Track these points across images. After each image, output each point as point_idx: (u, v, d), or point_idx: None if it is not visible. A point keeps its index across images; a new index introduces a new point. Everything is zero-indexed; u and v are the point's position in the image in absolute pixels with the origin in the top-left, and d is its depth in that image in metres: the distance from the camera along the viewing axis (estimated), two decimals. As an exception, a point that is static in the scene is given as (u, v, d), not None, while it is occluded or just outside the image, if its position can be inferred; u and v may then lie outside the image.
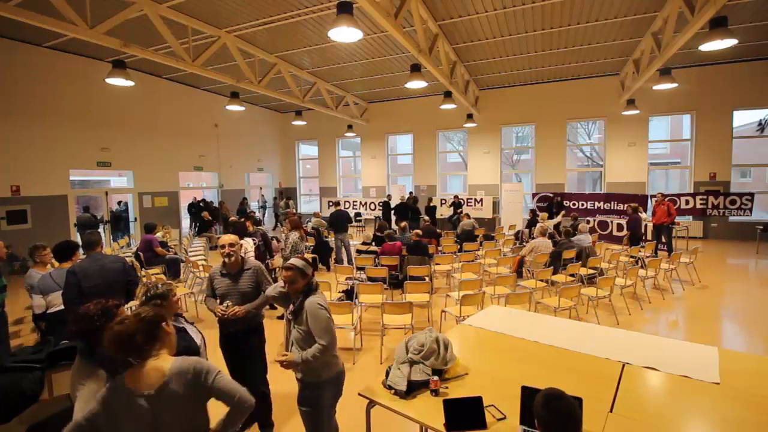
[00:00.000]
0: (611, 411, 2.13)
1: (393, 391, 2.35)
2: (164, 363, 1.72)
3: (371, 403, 2.40)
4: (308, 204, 20.10)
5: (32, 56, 9.33)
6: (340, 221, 9.48)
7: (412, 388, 2.34)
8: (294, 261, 2.57)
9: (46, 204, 9.56)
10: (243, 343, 3.18)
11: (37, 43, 9.33)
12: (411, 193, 15.54)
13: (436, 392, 2.31)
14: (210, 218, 12.31)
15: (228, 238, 3.21)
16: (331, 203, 17.39)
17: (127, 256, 8.21)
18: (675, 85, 9.42)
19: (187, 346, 2.25)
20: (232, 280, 3.14)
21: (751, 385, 2.36)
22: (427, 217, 10.52)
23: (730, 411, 2.13)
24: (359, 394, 2.44)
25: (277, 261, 7.00)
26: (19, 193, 9.08)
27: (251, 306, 3.09)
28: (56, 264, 4.20)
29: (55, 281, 3.84)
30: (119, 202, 13.12)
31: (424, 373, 2.41)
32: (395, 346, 2.78)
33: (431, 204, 13.96)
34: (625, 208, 11.39)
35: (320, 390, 2.50)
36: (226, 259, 3.15)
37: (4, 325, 4.15)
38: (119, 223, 11.87)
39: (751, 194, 11.24)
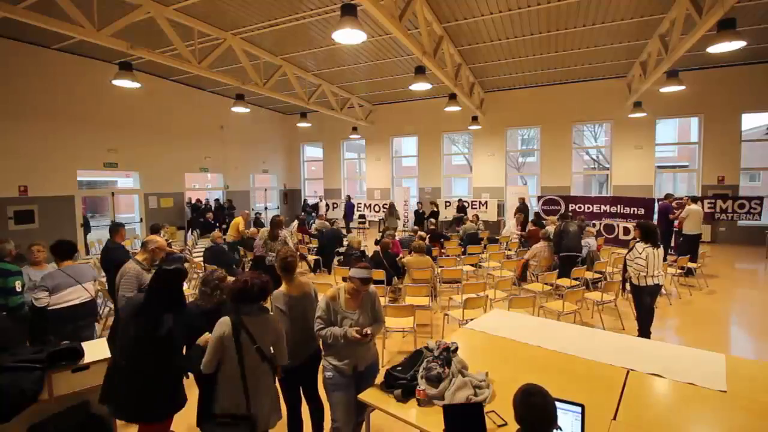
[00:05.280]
0: (614, 419, 2.09)
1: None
2: (306, 280, 3.04)
3: (370, 407, 2.38)
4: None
5: (40, 58, 9.43)
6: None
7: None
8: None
9: (53, 204, 9.65)
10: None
11: (46, 45, 9.42)
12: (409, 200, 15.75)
13: (420, 402, 2.29)
14: (213, 220, 12.38)
15: None
16: (335, 204, 17.46)
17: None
18: (682, 87, 9.31)
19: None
20: None
21: (759, 393, 2.31)
22: (433, 220, 10.49)
23: (737, 419, 2.09)
24: (359, 398, 2.42)
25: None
26: (26, 194, 9.17)
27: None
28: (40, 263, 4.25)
29: (73, 277, 3.74)
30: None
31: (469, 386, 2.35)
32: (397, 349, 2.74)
33: (463, 204, 14.19)
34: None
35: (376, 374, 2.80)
36: None
37: (23, 323, 4.11)
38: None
39: (761, 198, 11.09)
